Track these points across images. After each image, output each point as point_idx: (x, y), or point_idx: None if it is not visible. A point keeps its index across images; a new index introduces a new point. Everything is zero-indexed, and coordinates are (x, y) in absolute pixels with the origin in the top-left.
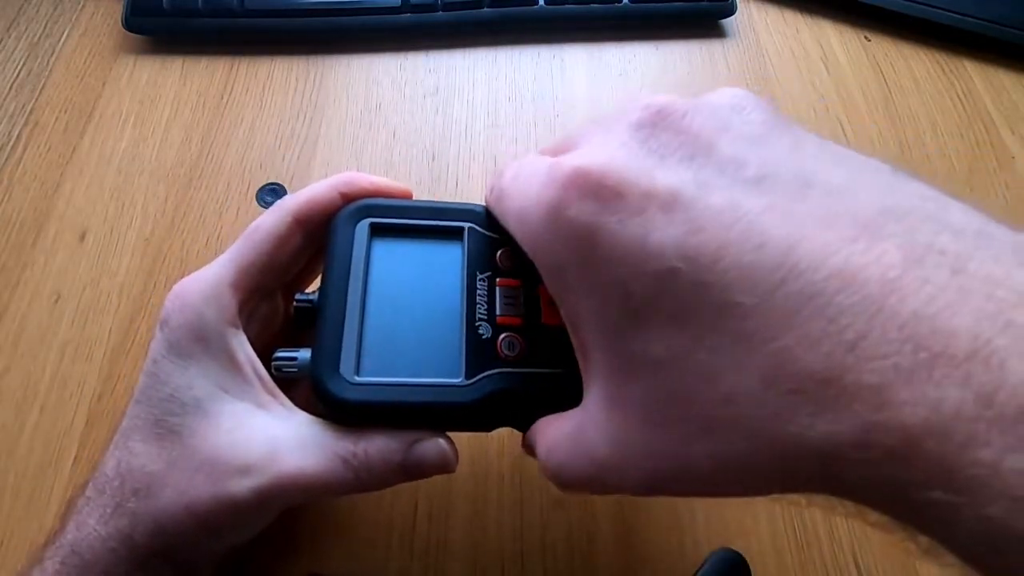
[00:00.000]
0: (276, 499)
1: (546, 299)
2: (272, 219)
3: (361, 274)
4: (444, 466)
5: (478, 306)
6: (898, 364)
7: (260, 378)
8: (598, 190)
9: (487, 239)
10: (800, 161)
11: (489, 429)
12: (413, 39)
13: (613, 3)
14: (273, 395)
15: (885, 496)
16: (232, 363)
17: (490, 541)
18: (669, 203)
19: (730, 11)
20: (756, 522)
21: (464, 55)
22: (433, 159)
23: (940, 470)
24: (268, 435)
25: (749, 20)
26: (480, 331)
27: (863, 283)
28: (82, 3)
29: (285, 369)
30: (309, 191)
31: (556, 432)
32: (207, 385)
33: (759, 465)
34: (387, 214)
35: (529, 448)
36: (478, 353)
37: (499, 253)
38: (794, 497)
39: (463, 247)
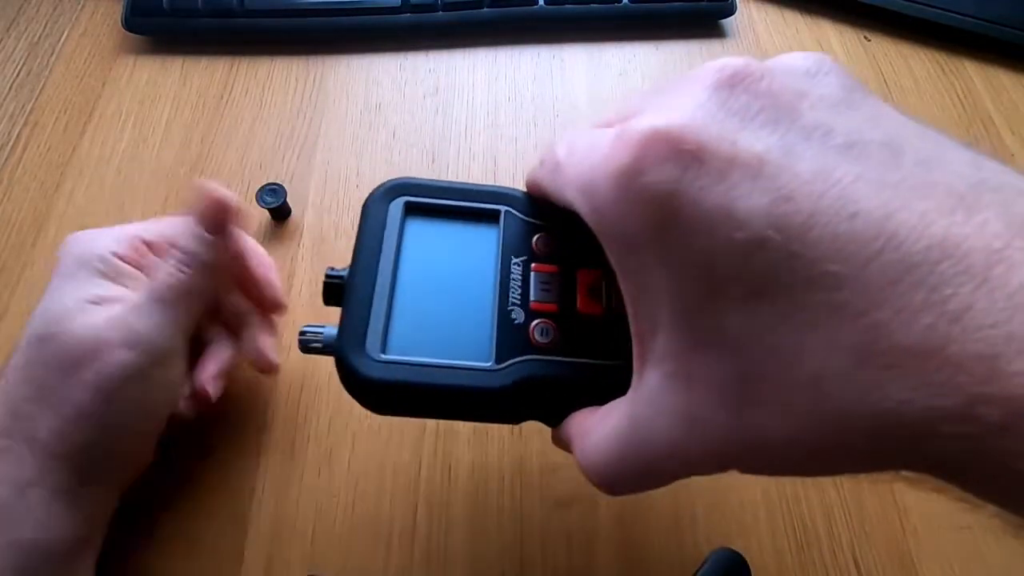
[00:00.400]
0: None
1: (583, 287)
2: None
3: (393, 252)
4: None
5: (511, 290)
6: (1010, 333)
7: (124, 286)
8: (677, 153)
9: (524, 224)
10: (886, 129)
11: (517, 421)
12: (413, 39)
13: (613, 3)
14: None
15: (982, 471)
16: (104, 277)
17: (490, 541)
18: (756, 169)
19: (730, 11)
20: (756, 522)
21: (464, 55)
22: (433, 159)
23: None
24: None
25: (749, 20)
26: (513, 316)
27: (966, 253)
28: (82, 3)
29: (311, 344)
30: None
31: (602, 426)
32: (76, 298)
33: (846, 445)
34: (423, 193)
35: (561, 444)
36: (509, 338)
37: (536, 238)
38: (880, 475)
39: (499, 230)
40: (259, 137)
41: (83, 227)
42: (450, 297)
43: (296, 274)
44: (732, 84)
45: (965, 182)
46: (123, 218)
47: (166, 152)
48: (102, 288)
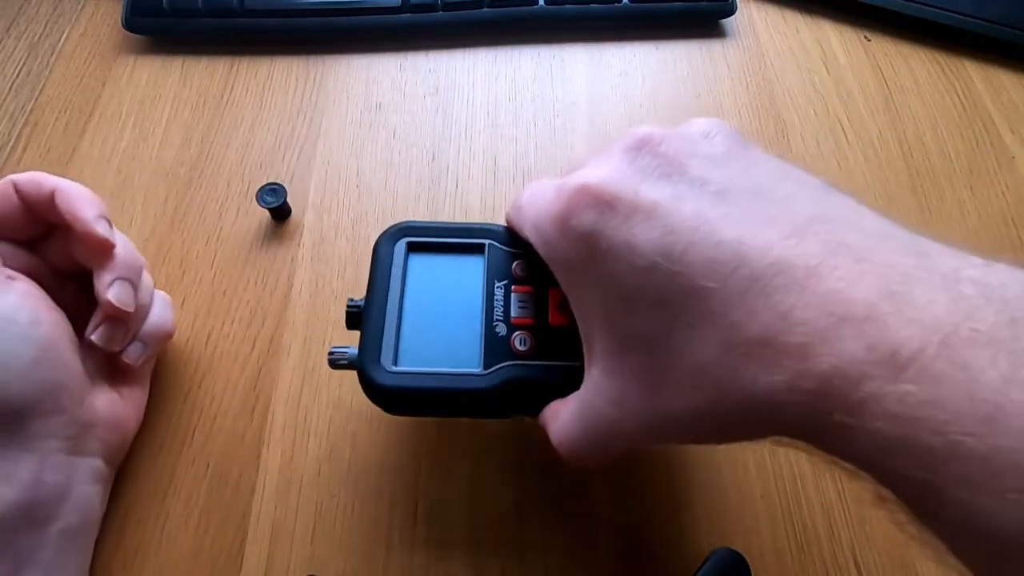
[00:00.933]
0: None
1: (553, 304)
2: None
3: (399, 283)
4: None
5: (495, 309)
6: (816, 327)
7: None
8: (596, 202)
9: (505, 253)
10: (752, 178)
11: (505, 415)
12: (413, 39)
13: (613, 3)
14: None
15: (811, 428)
16: None
17: (490, 541)
18: (651, 212)
19: (730, 11)
20: (756, 522)
21: (464, 55)
22: (433, 159)
23: (842, 399)
24: None
25: (749, 20)
26: (497, 330)
27: (792, 269)
28: (82, 3)
29: (338, 362)
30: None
31: (565, 411)
32: None
33: (724, 415)
34: (422, 234)
35: (543, 429)
36: (495, 348)
37: (514, 265)
38: (764, 442)
39: (484, 260)
40: (259, 137)
41: None
42: (446, 317)
43: (296, 274)
44: (639, 147)
45: (805, 215)
46: (123, 218)
47: (166, 152)
48: None
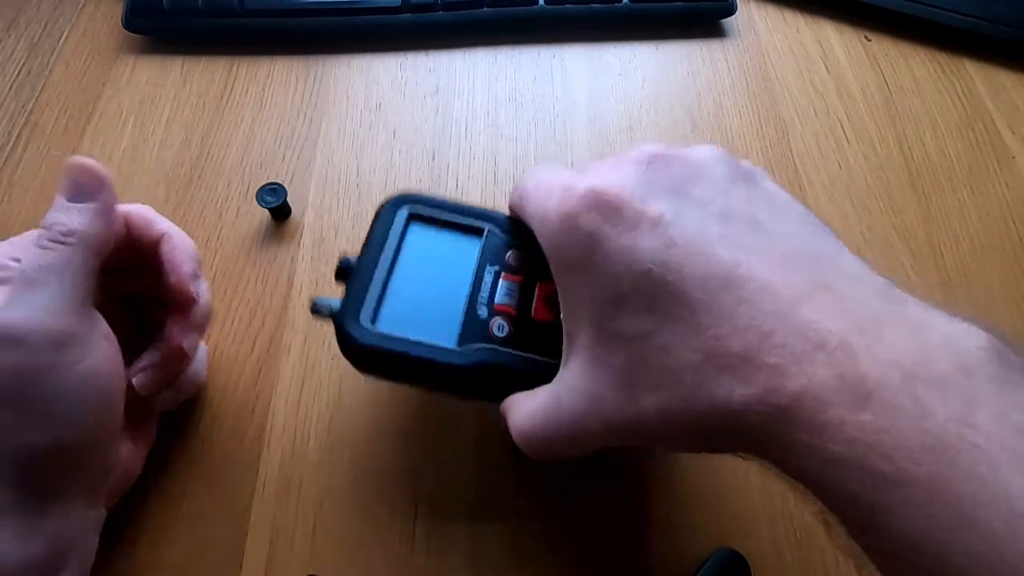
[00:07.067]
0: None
1: (539, 297)
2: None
3: (393, 249)
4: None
5: (482, 292)
6: (792, 350)
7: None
8: (604, 206)
9: (503, 240)
10: (751, 207)
11: (468, 395)
12: (413, 39)
13: (613, 3)
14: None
15: (769, 442)
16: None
17: (490, 541)
18: (655, 222)
19: (730, 11)
20: (756, 522)
21: (464, 55)
22: (433, 159)
23: (806, 419)
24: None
25: (749, 20)
26: (479, 312)
27: (777, 296)
28: (82, 3)
29: (320, 310)
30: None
31: (532, 402)
32: None
33: (691, 420)
34: (425, 205)
35: (501, 417)
36: (472, 328)
37: (509, 254)
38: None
39: (481, 243)
40: (259, 137)
41: None
42: (432, 290)
43: (296, 274)
44: (649, 163)
45: (794, 248)
46: None
47: (166, 152)
48: None
